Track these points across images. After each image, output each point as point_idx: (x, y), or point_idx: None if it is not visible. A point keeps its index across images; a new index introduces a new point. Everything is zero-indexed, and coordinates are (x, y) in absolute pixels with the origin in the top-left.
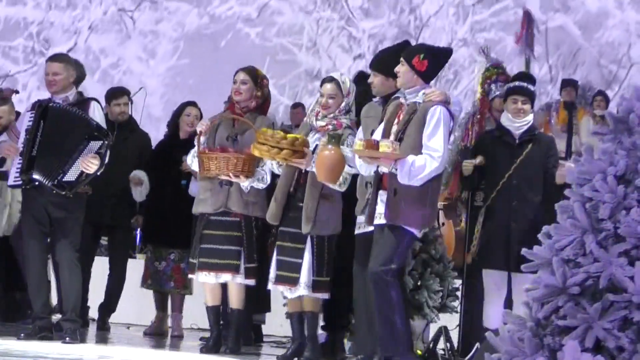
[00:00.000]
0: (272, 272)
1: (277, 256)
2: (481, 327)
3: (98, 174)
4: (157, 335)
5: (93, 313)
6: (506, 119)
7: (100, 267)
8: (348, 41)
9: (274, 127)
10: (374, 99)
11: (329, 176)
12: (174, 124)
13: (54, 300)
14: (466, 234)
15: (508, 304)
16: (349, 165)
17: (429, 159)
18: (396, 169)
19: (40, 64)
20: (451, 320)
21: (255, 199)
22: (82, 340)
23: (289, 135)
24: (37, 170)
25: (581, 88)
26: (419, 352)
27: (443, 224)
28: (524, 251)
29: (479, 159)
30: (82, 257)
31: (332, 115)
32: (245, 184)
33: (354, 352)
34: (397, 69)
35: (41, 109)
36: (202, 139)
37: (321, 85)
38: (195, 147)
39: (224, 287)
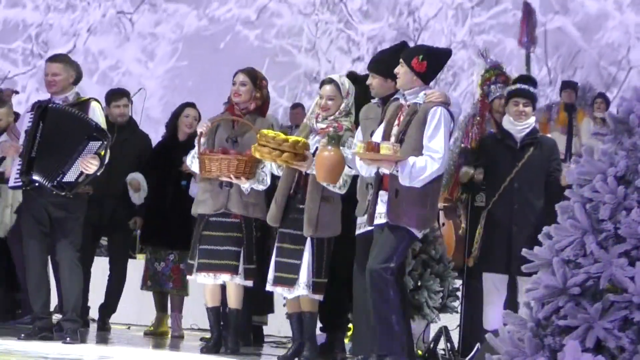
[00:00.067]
0: (271, 274)
1: (276, 258)
2: (481, 327)
3: (98, 174)
4: (157, 335)
5: (93, 313)
6: (508, 122)
7: (100, 267)
8: (347, 43)
9: (274, 128)
10: (373, 100)
11: (329, 176)
12: (172, 126)
13: (53, 300)
14: (466, 236)
15: (513, 307)
16: (349, 167)
17: (430, 160)
18: (397, 171)
19: (39, 66)
20: (451, 321)
21: (255, 201)
22: (83, 340)
23: (290, 138)
24: (37, 171)
25: (581, 89)
26: (419, 352)
27: (443, 224)
28: (524, 252)
29: (477, 175)
30: (82, 257)
31: (332, 117)
32: (245, 185)
33: (353, 352)
34: (396, 70)
35: (41, 109)
36: (202, 140)
37: (320, 87)
38: (195, 148)
39: (224, 288)
